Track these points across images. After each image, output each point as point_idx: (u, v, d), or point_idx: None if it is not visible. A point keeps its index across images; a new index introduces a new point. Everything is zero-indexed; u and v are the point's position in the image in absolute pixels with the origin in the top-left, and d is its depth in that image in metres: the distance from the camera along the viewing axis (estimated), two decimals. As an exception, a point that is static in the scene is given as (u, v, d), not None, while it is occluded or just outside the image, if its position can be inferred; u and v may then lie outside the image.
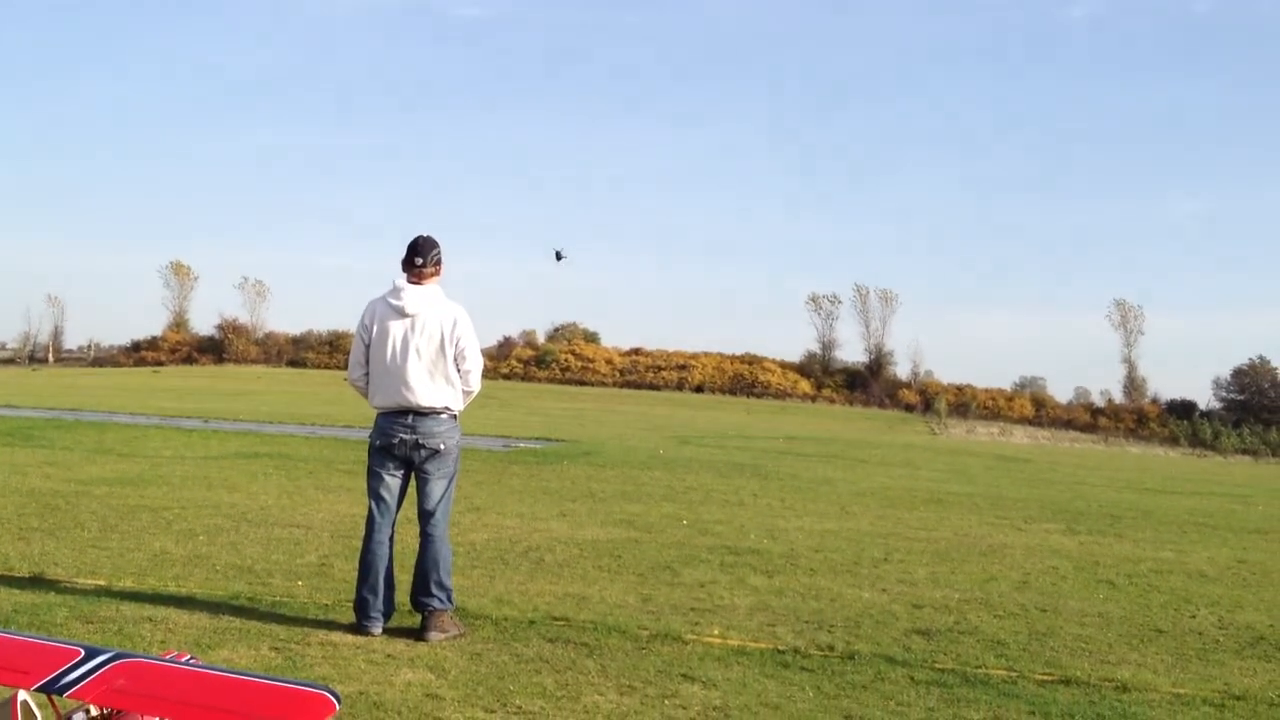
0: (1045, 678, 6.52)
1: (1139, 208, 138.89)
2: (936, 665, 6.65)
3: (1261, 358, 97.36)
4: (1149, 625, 8.38)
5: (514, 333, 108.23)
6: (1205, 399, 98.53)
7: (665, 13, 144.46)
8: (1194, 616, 8.89)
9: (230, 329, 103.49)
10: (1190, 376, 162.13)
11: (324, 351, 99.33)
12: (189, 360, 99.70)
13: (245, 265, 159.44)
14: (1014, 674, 6.56)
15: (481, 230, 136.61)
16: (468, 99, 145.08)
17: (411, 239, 6.97)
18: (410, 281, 6.91)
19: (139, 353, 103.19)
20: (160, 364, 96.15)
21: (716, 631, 7.14)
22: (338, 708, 2.95)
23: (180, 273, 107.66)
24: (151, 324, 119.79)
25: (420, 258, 6.90)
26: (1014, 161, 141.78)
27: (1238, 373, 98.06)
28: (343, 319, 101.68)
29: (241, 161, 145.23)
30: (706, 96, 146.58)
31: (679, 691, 5.75)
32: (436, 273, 6.99)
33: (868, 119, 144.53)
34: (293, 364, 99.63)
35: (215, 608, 7.07)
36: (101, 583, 7.72)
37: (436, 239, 7.01)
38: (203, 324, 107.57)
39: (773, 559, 10.34)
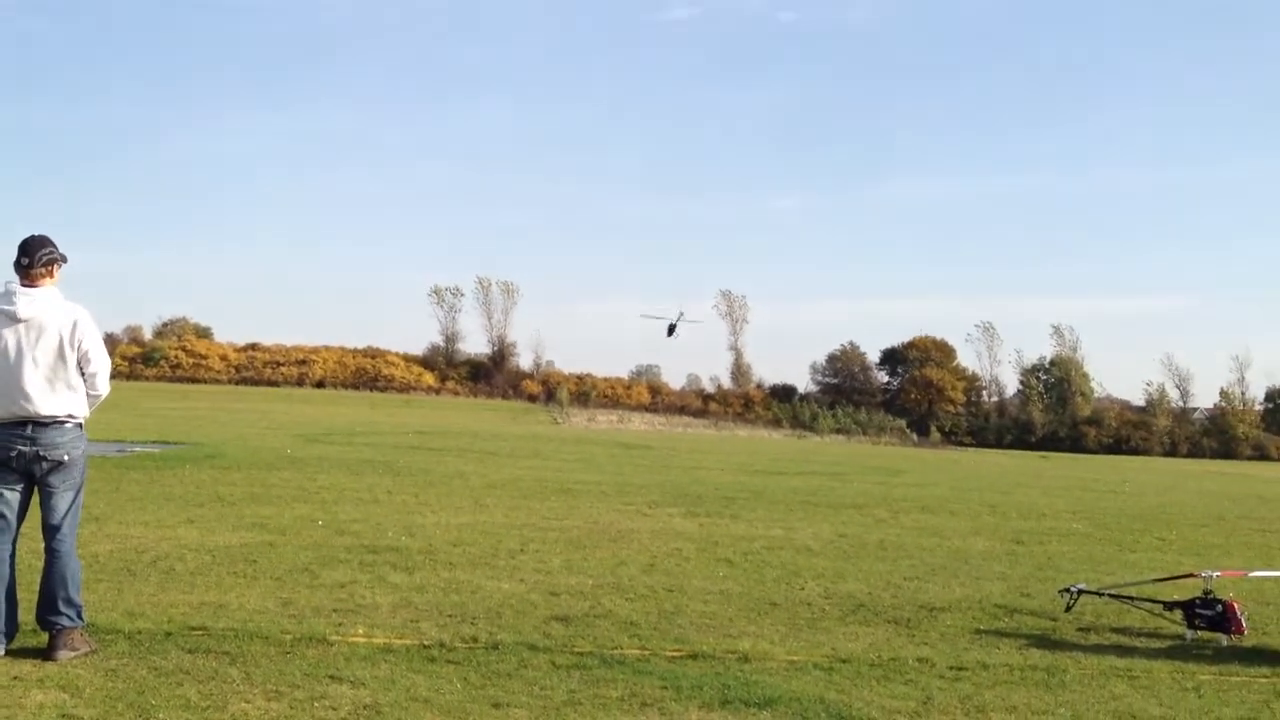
0: (675, 654, 6.97)
1: (742, 204, 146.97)
2: (575, 649, 6.97)
3: (852, 344, 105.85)
4: (764, 599, 9.09)
5: (117, 329, 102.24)
6: (804, 383, 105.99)
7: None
8: (803, 589, 9.71)
9: None
10: (790, 362, 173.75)
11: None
12: None
13: None
14: (647, 652, 6.98)
15: (81, 222, 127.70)
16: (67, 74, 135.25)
17: (23, 239, 6.58)
18: (23, 285, 6.52)
19: None
20: None
21: (361, 631, 7.17)
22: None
23: None
24: None
25: (27, 258, 6.50)
26: (629, 158, 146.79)
27: (831, 358, 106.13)
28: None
29: None
30: (317, 79, 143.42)
31: (328, 693, 5.77)
32: (49, 274, 6.60)
33: (494, 110, 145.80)
34: None
35: None
36: None
37: (49, 238, 6.63)
38: None
39: (412, 555, 10.42)
